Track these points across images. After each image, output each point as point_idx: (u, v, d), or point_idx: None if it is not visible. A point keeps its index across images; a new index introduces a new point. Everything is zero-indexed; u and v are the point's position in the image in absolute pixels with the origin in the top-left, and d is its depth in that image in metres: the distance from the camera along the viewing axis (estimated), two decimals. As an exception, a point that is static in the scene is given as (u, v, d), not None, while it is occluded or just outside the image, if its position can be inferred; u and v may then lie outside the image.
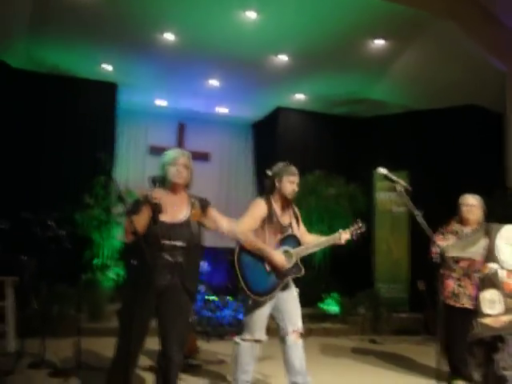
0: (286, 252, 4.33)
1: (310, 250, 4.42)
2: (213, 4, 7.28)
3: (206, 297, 8.14)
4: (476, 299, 4.79)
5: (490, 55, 8.23)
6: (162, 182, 3.83)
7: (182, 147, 11.87)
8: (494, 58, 8.28)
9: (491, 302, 3.97)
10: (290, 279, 4.40)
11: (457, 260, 4.91)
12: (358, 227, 4.58)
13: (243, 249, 4.29)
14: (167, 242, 3.60)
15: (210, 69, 9.39)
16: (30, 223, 5.82)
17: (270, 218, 4.36)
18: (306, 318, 8.76)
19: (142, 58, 8.96)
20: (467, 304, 4.89)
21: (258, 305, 4.28)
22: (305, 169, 9.96)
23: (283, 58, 8.82)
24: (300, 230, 4.59)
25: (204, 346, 6.75)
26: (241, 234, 4.23)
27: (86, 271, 8.22)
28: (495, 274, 4.03)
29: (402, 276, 10.03)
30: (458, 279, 4.97)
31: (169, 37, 8.18)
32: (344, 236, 4.47)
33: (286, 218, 4.47)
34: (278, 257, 4.24)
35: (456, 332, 4.79)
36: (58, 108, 9.45)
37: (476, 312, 4.28)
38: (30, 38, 8.34)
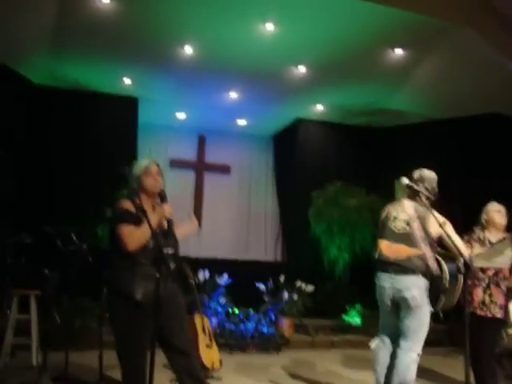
0: None
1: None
2: (231, 17, 7.32)
3: (229, 309, 8.12)
4: (505, 308, 4.72)
5: (510, 62, 8.15)
6: (136, 193, 3.73)
7: (203, 160, 11.96)
8: (514, 66, 8.20)
9: (519, 313, 3.91)
10: None
11: (483, 269, 4.85)
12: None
13: None
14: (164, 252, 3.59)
15: (229, 81, 9.42)
16: (52, 237, 5.85)
17: None
18: (328, 329, 8.81)
19: (162, 71, 9.02)
20: (496, 313, 4.81)
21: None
22: (325, 180, 10.03)
23: (302, 69, 8.83)
24: None
25: (226, 359, 6.72)
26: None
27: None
28: (524, 284, 3.97)
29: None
30: (487, 288, 4.89)
31: (188, 50, 8.22)
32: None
33: None
34: None
35: (484, 342, 4.71)
36: (78, 123, 9.56)
37: (505, 322, 4.22)
38: (51, 55, 8.44)
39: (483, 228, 5.16)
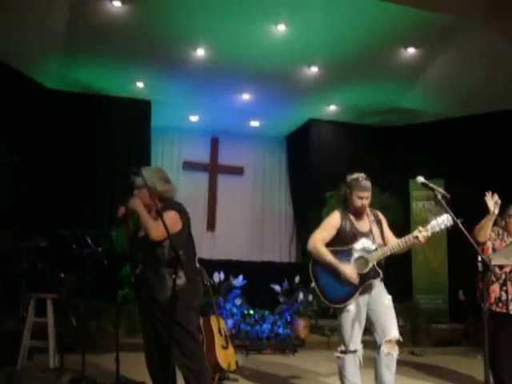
0: (360, 258, 4.29)
1: (388, 253, 4.30)
2: (243, 19, 7.33)
3: (245, 311, 8.12)
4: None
5: (525, 59, 8.09)
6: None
7: (216, 162, 11.96)
8: (528, 62, 8.13)
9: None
10: (379, 286, 4.38)
11: (500, 266, 4.81)
12: (442, 221, 4.23)
13: (316, 260, 4.39)
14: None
15: (241, 83, 9.43)
16: (67, 240, 5.88)
17: (344, 227, 4.40)
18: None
19: (175, 74, 9.04)
20: (512, 310, 4.77)
21: (345, 314, 4.30)
22: (339, 179, 9.92)
23: (314, 69, 8.81)
24: (386, 236, 4.53)
25: (242, 360, 6.72)
26: (310, 246, 4.39)
27: (123, 287, 8.26)
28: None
29: (441, 286, 9.86)
30: (503, 285, 4.85)
31: (200, 52, 8.24)
32: (423, 234, 4.24)
33: (364, 225, 4.45)
34: (347, 270, 4.22)
35: (502, 341, 4.66)
36: (92, 126, 9.62)
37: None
38: (64, 59, 8.50)
39: (505, 229, 5.11)
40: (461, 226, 3.52)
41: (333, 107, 10.62)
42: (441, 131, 10.48)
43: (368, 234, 4.38)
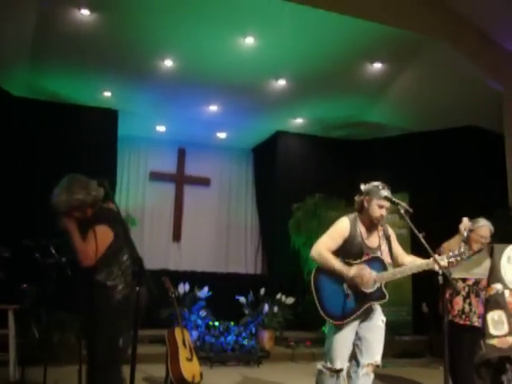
0: None
1: (398, 276, 3.98)
2: (211, 31, 7.36)
3: (209, 322, 8.09)
4: (483, 318, 4.76)
5: (487, 76, 8.28)
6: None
7: (182, 172, 11.94)
8: (490, 79, 8.31)
9: (497, 323, 3.94)
10: (374, 306, 4.06)
11: (463, 279, 4.88)
12: (460, 254, 3.99)
13: (320, 269, 4.02)
14: None
15: (209, 94, 9.45)
16: (30, 250, 5.79)
17: (352, 239, 4.07)
18: (308, 342, 8.80)
19: (142, 84, 9.02)
20: (476, 322, 4.84)
21: (338, 331, 3.97)
22: (305, 192, 10.03)
23: (282, 82, 8.88)
24: (395, 252, 4.22)
25: (206, 372, 6.69)
26: (314, 252, 4.02)
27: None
28: (502, 294, 4.00)
29: (405, 299, 9.96)
30: (467, 297, 4.93)
31: (168, 63, 8.24)
32: (441, 263, 3.76)
33: (373, 240, 4.14)
34: (355, 273, 3.88)
35: (463, 352, 4.73)
36: (58, 135, 9.49)
37: (483, 331, 4.25)
38: (31, 67, 8.41)
39: (466, 242, 5.17)
40: (423, 239, 3.59)
41: (300, 120, 10.71)
42: (406, 145, 10.64)
43: (376, 251, 4.08)
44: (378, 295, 3.96)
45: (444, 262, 3.89)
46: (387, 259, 4.08)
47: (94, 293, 3.64)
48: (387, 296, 3.97)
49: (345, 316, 3.92)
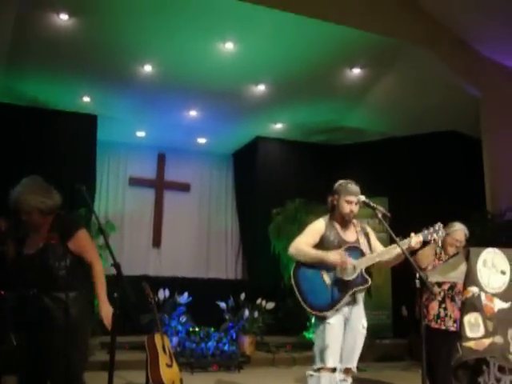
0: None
1: (377, 259, 4.03)
2: (191, 36, 7.36)
3: (190, 328, 8.06)
4: (460, 321, 4.79)
5: (464, 81, 8.37)
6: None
7: (162, 178, 11.90)
8: (467, 85, 8.41)
9: (473, 326, 3.96)
10: (359, 308, 4.11)
11: (439, 283, 4.92)
12: (435, 230, 4.06)
13: (299, 264, 4.08)
14: None
15: (189, 100, 9.44)
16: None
17: (328, 235, 4.14)
18: (289, 347, 8.81)
19: (122, 89, 8.99)
20: (452, 327, 4.88)
21: (328, 327, 3.95)
22: (285, 197, 10.05)
23: (261, 87, 8.91)
24: (374, 248, 4.25)
25: (187, 378, 6.66)
26: (292, 248, 4.10)
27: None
28: (478, 297, 4.03)
29: (385, 302, 10.01)
30: (442, 302, 4.97)
31: (148, 69, 8.23)
32: (416, 240, 3.94)
33: (350, 235, 4.21)
34: (333, 255, 3.94)
35: (440, 356, 4.76)
36: (36, 140, 9.39)
37: (459, 335, 4.27)
38: (8, 71, 8.32)
39: (441, 246, 5.22)
40: (399, 244, 3.62)
41: (279, 125, 10.74)
42: (385, 150, 10.71)
43: (354, 245, 4.14)
44: (360, 281, 4.00)
45: (419, 238, 3.98)
46: (366, 251, 4.15)
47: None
48: (370, 280, 4.01)
49: (331, 305, 3.94)
